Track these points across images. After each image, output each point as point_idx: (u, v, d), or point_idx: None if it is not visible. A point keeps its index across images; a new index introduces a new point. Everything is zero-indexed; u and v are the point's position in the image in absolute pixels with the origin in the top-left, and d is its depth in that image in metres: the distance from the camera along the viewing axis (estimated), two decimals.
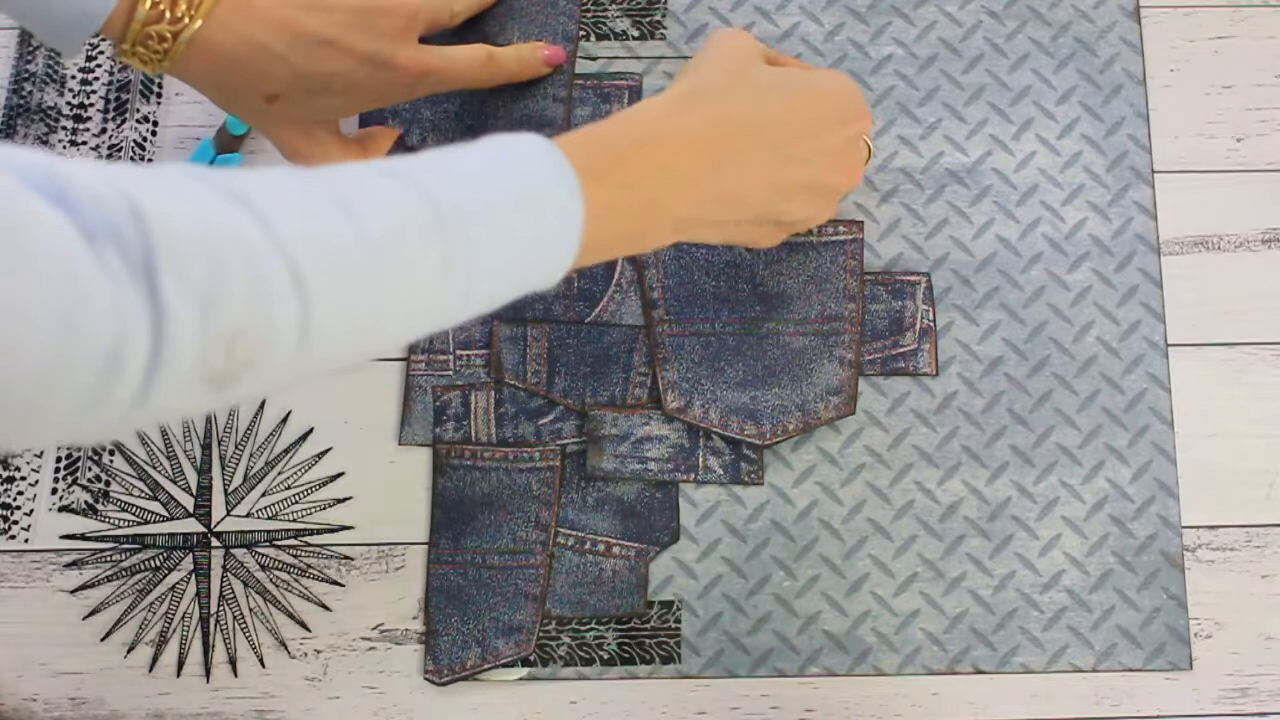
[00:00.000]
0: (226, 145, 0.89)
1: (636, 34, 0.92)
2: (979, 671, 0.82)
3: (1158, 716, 0.81)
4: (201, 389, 0.50)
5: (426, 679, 0.81)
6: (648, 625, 0.82)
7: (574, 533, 0.84)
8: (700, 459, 0.84)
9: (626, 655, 0.82)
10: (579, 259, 0.63)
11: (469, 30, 0.90)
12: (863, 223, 0.88)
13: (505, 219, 0.59)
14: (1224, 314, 0.87)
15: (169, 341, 0.47)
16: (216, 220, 0.50)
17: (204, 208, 0.50)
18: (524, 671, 0.82)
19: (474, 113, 0.89)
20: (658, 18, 0.92)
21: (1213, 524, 0.84)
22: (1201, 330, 0.87)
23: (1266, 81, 0.91)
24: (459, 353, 0.86)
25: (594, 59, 0.91)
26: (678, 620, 0.82)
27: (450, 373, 0.86)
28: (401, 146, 0.89)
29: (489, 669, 0.81)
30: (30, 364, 0.45)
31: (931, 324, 0.86)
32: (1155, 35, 0.92)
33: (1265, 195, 0.89)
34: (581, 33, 0.91)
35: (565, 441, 0.85)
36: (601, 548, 0.83)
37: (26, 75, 0.91)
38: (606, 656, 0.82)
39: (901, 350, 0.86)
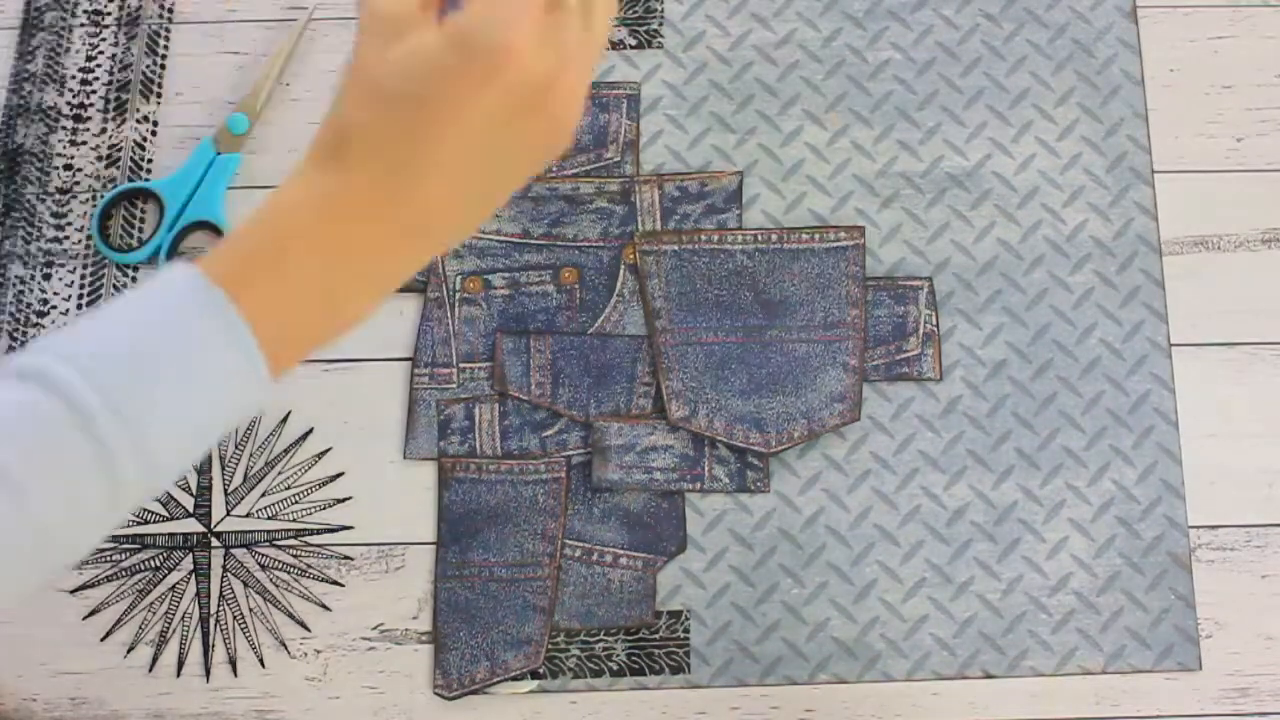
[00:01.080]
0: (227, 145, 0.89)
1: (634, 43, 0.92)
2: (989, 676, 0.82)
3: (1158, 716, 0.81)
4: None
5: (436, 693, 0.81)
6: (656, 635, 0.82)
7: (581, 544, 0.83)
8: (706, 468, 0.84)
9: (636, 666, 0.82)
10: (281, 365, 0.56)
11: None
12: (864, 228, 0.88)
13: (159, 382, 0.52)
14: (1224, 314, 0.88)
15: None
16: None
17: None
18: (534, 684, 0.81)
19: None
20: (654, 26, 0.92)
21: (1213, 524, 0.84)
22: (1202, 330, 0.87)
23: (1266, 81, 0.91)
24: (462, 366, 0.86)
25: None
26: (686, 630, 0.82)
27: (454, 386, 0.85)
28: None
29: (499, 682, 0.81)
30: None
31: (934, 328, 0.86)
32: (1154, 35, 0.92)
33: (1265, 195, 0.89)
34: None
35: (570, 453, 0.85)
36: (609, 559, 0.83)
37: (26, 75, 0.91)
38: (616, 667, 0.82)
39: (905, 355, 0.86)
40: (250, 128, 0.89)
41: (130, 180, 0.89)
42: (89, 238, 0.88)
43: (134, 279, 0.87)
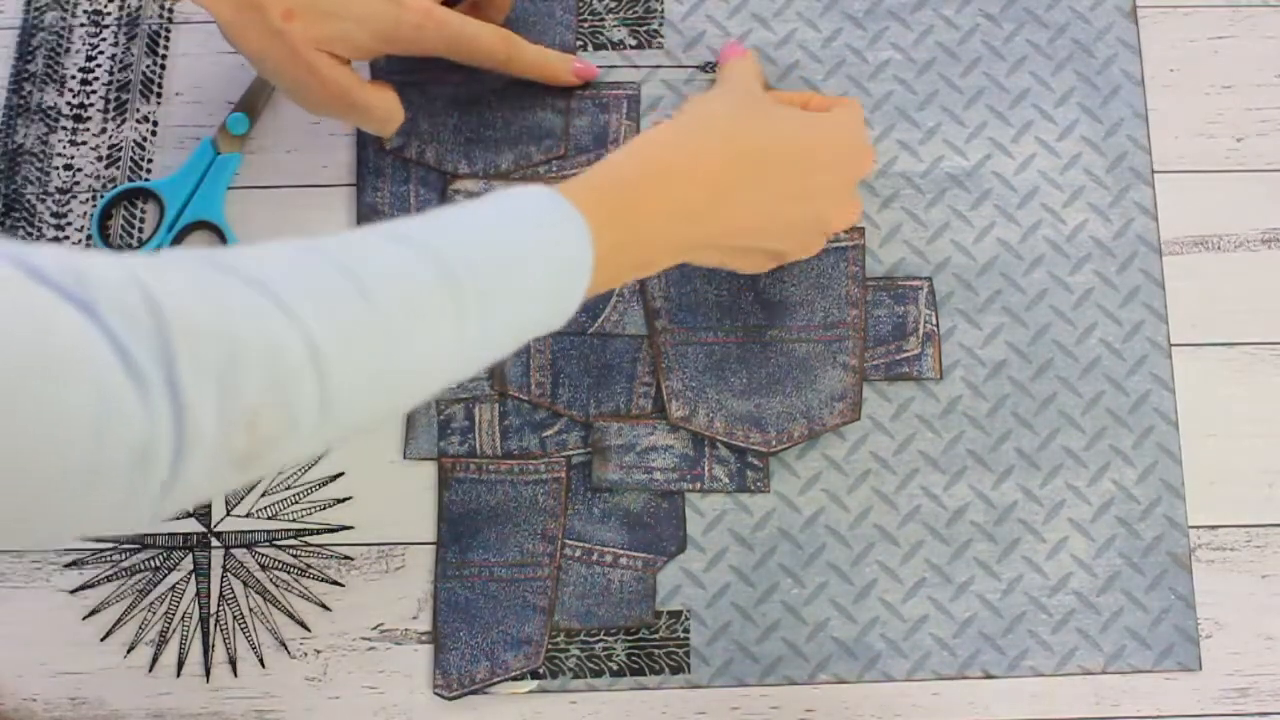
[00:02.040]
0: (227, 145, 0.89)
1: (634, 43, 0.92)
2: (989, 676, 0.82)
3: (1158, 716, 0.82)
4: (228, 469, 0.51)
5: (436, 693, 0.81)
6: (656, 635, 0.82)
7: (581, 544, 0.83)
8: (706, 468, 0.84)
9: (636, 666, 0.82)
10: (588, 295, 0.65)
11: None
12: (864, 229, 0.88)
13: (518, 275, 0.60)
14: (1224, 314, 0.88)
15: (190, 430, 0.48)
16: (231, 305, 0.50)
17: (218, 294, 0.50)
18: (534, 684, 0.81)
19: (472, 125, 0.89)
20: (655, 27, 0.92)
21: (1213, 524, 0.84)
22: (1202, 330, 0.87)
23: (1266, 81, 0.91)
24: None
25: None
26: (686, 630, 0.82)
27: (454, 386, 0.85)
28: (401, 146, 0.89)
29: (498, 682, 0.81)
30: (63, 472, 0.45)
31: (934, 328, 0.86)
32: (1154, 35, 0.92)
33: (1265, 195, 0.89)
34: (579, 42, 0.91)
35: (570, 453, 0.85)
36: (609, 559, 0.83)
37: (26, 75, 0.91)
38: (616, 667, 0.82)
39: (905, 355, 0.86)
40: (250, 128, 0.89)
41: (130, 180, 0.89)
42: (89, 238, 0.88)
43: None
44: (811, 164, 0.75)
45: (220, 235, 0.88)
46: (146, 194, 0.89)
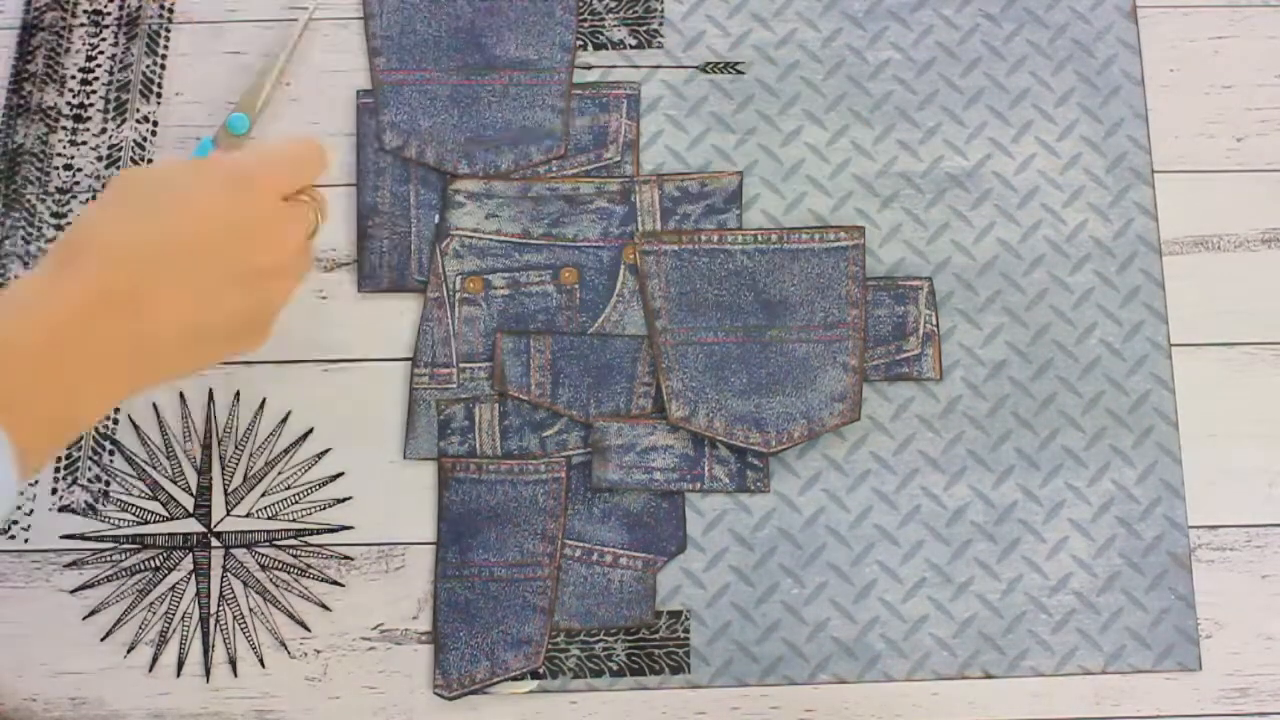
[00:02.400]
0: (227, 145, 0.89)
1: (634, 43, 0.92)
2: (989, 676, 0.82)
3: (1158, 716, 0.82)
4: None
5: (436, 693, 0.81)
6: (656, 635, 0.82)
7: (581, 544, 0.83)
8: (706, 468, 0.84)
9: (636, 666, 0.82)
10: (27, 471, 0.56)
11: (465, 40, 0.90)
12: (864, 228, 0.88)
13: None
14: (1224, 314, 0.88)
15: None
16: None
17: None
18: (534, 684, 0.81)
19: (473, 124, 0.89)
20: (655, 26, 0.92)
21: (1213, 524, 0.84)
22: (1202, 330, 0.87)
23: (1266, 81, 0.91)
24: (462, 366, 0.86)
25: (591, 68, 0.91)
26: (686, 630, 0.82)
27: (454, 386, 0.85)
28: (390, 159, 0.89)
29: (498, 682, 0.81)
30: None
31: (934, 328, 0.86)
32: (1154, 36, 0.92)
33: (1265, 195, 0.89)
34: (579, 42, 0.91)
35: (570, 453, 0.85)
36: (609, 559, 0.83)
37: (26, 75, 0.91)
38: (616, 667, 0.82)
39: (905, 355, 0.86)
40: (251, 128, 0.89)
41: None
42: None
43: None
44: (205, 256, 0.62)
45: None
46: None
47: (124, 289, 0.58)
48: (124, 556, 0.83)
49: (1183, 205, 0.89)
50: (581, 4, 0.92)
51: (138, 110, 0.91)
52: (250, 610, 0.83)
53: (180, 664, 0.82)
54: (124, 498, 0.84)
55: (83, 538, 0.83)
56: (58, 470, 0.84)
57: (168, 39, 0.92)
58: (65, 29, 0.92)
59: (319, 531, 0.84)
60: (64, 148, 0.90)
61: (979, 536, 0.84)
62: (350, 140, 0.90)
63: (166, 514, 0.84)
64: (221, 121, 0.89)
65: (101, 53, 0.92)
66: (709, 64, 0.91)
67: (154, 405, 0.85)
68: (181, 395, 0.86)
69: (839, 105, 0.90)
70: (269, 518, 0.84)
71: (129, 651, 0.82)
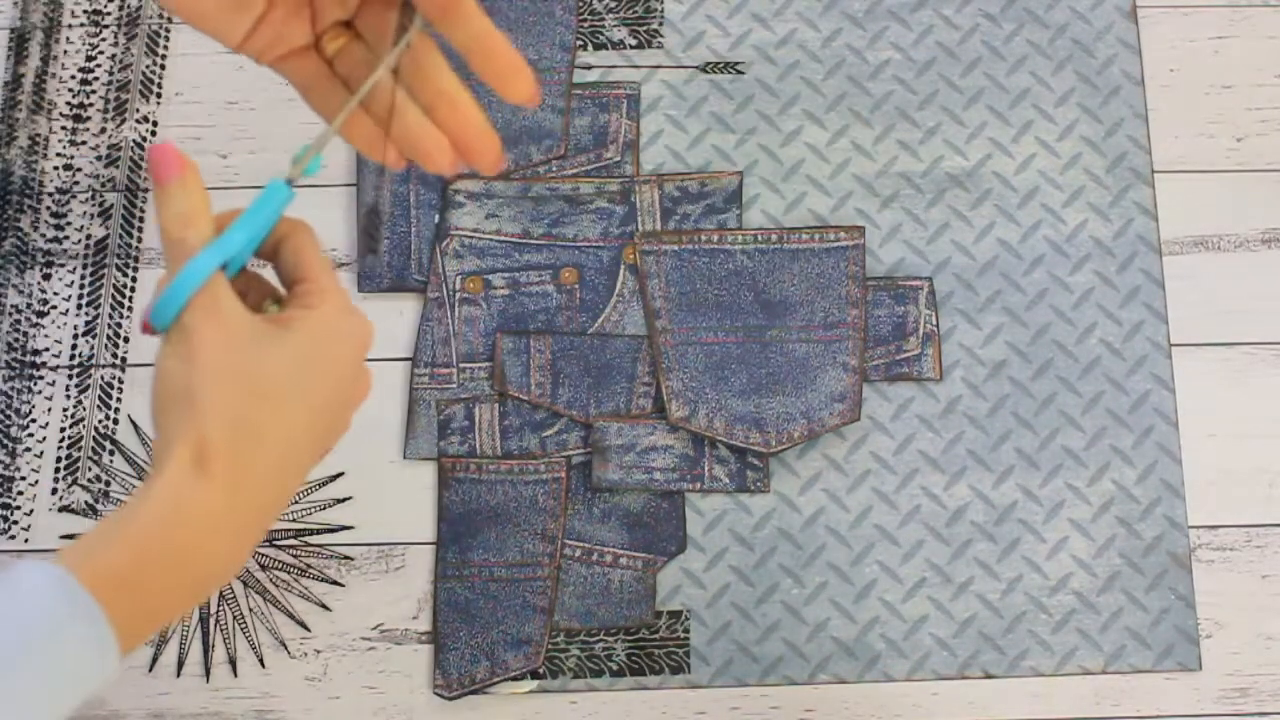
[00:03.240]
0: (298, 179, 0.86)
1: (634, 43, 0.92)
2: (989, 676, 0.82)
3: (1157, 716, 0.81)
4: None
5: (436, 693, 0.81)
6: (656, 635, 0.82)
7: (581, 544, 0.83)
8: (706, 468, 0.84)
9: (636, 666, 0.82)
10: (136, 641, 0.56)
11: None
12: (864, 228, 0.88)
13: (18, 679, 0.51)
14: (1224, 314, 0.88)
15: None
16: None
17: None
18: (534, 684, 0.81)
19: None
20: (655, 26, 0.92)
21: (1213, 524, 0.84)
22: (1202, 330, 0.87)
23: (1266, 81, 0.91)
24: (462, 366, 0.86)
25: (591, 68, 0.91)
26: (686, 630, 0.82)
27: (454, 386, 0.85)
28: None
29: (498, 682, 0.81)
30: None
31: (934, 328, 0.86)
32: (1154, 36, 0.92)
33: (1265, 195, 0.89)
34: (579, 42, 0.91)
35: (570, 453, 0.85)
36: (609, 559, 0.83)
37: (25, 75, 0.91)
38: (616, 667, 0.82)
39: (905, 355, 0.86)
40: (320, 167, 0.87)
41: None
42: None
43: (134, 280, 0.87)
44: (324, 429, 0.63)
45: None
46: None
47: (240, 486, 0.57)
48: None
49: (1183, 205, 0.89)
50: (581, 4, 0.92)
51: (137, 110, 0.91)
52: (250, 610, 0.83)
53: (180, 664, 0.82)
54: (124, 498, 0.84)
55: None
56: (58, 471, 0.84)
57: (168, 39, 0.92)
58: (65, 28, 0.92)
59: (319, 531, 0.84)
60: (64, 148, 0.90)
61: (979, 536, 0.84)
62: None
63: None
64: (293, 161, 0.87)
65: (101, 53, 0.92)
66: (709, 64, 0.91)
67: None
68: None
69: (839, 105, 0.90)
70: None
71: None
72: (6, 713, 0.52)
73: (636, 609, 0.82)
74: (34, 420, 0.85)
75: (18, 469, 0.85)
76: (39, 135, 0.90)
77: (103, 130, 0.91)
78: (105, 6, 0.93)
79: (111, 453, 0.85)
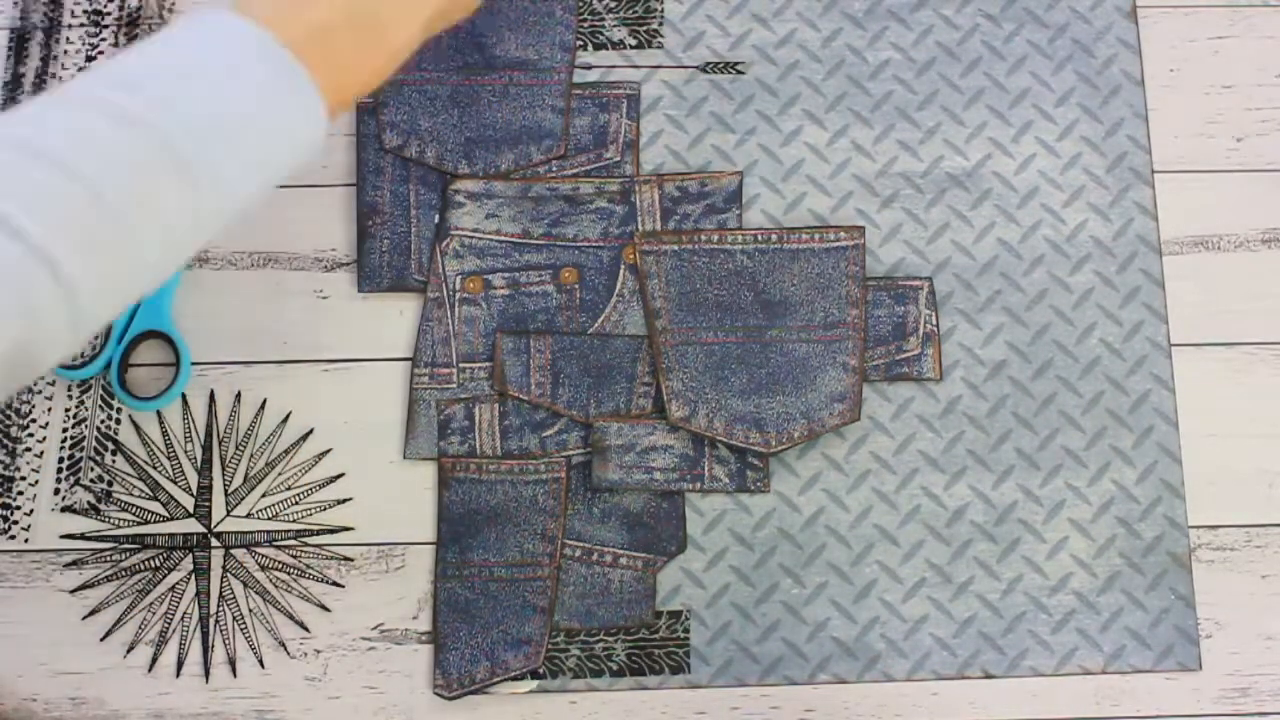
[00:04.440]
0: None
1: (634, 43, 0.92)
2: (989, 676, 0.82)
3: (1157, 716, 0.82)
4: None
5: (436, 693, 0.81)
6: (656, 635, 0.82)
7: (581, 544, 0.83)
8: (706, 468, 0.84)
9: (635, 666, 0.82)
10: (338, 106, 0.62)
11: (465, 40, 0.90)
12: (864, 228, 0.88)
13: (247, 141, 0.58)
14: (1224, 314, 0.88)
15: None
16: None
17: None
18: (534, 684, 0.81)
19: (472, 125, 0.89)
20: (654, 26, 0.92)
21: (1213, 524, 0.84)
22: (1202, 330, 0.87)
23: (1266, 81, 0.91)
24: (462, 366, 0.86)
25: (591, 68, 0.91)
26: (686, 630, 0.82)
27: (454, 386, 0.85)
28: (400, 157, 0.89)
29: (498, 682, 0.81)
30: None
31: (934, 328, 0.87)
32: (1154, 35, 0.92)
33: (1265, 195, 0.89)
34: (579, 42, 0.91)
35: (570, 453, 0.85)
36: (609, 559, 0.83)
37: (24, 75, 0.91)
38: (615, 667, 0.82)
39: (905, 355, 0.86)
40: None
41: None
42: None
43: None
44: None
45: (171, 345, 0.86)
46: None
47: None
48: (124, 556, 0.83)
49: (1183, 205, 0.89)
50: (581, 4, 0.92)
51: None
52: (250, 610, 0.83)
53: (180, 664, 0.82)
54: (125, 498, 0.84)
55: (83, 538, 0.83)
56: (60, 471, 0.84)
57: None
58: (64, 28, 0.92)
59: (319, 532, 0.84)
60: None
61: (979, 536, 0.84)
62: (350, 140, 0.90)
63: (167, 514, 0.84)
64: None
65: (101, 53, 0.92)
66: (709, 64, 0.91)
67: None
68: (183, 396, 0.86)
69: (839, 105, 0.90)
70: (269, 518, 0.84)
71: (129, 651, 0.82)
72: (231, 175, 0.58)
73: (636, 609, 0.82)
74: (34, 420, 0.85)
75: (18, 469, 0.85)
76: None
77: None
78: (105, 6, 0.93)
79: (114, 453, 0.85)
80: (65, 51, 0.92)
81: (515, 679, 0.82)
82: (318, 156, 0.62)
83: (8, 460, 0.85)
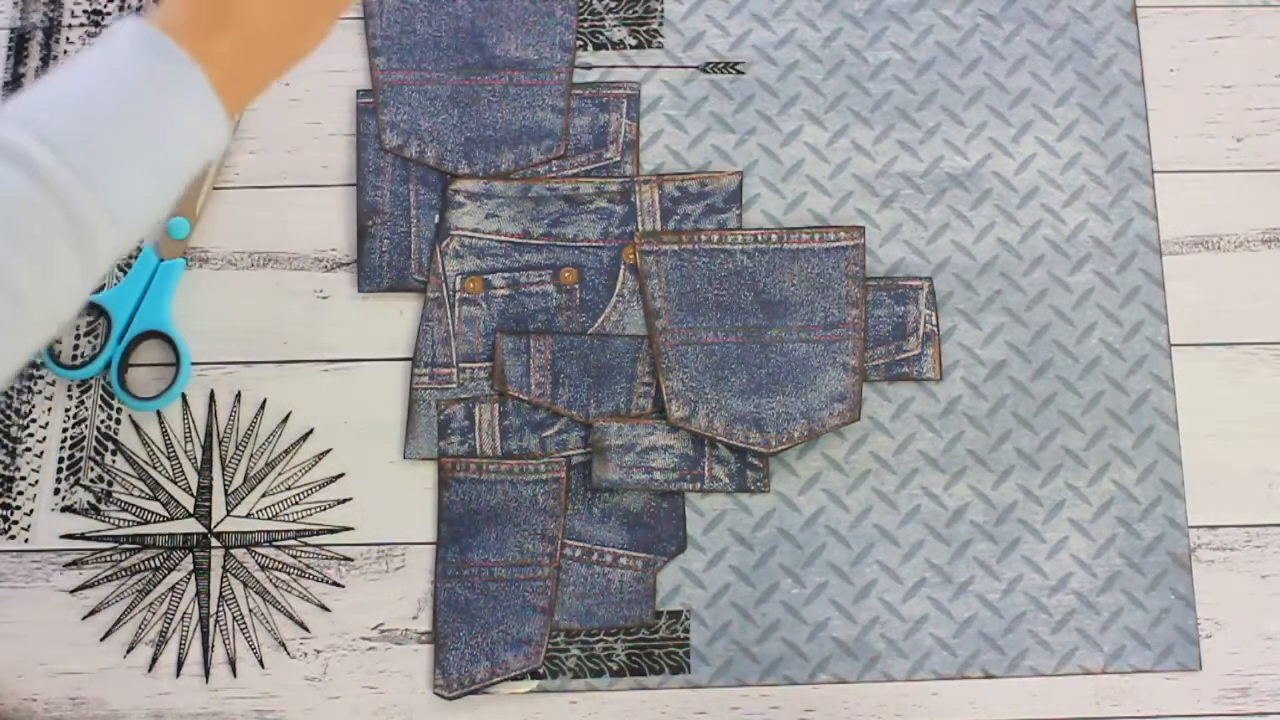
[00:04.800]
0: (169, 251, 0.87)
1: (634, 43, 0.92)
2: (989, 676, 0.82)
3: (1158, 716, 0.82)
4: None
5: (436, 693, 0.81)
6: (656, 635, 0.82)
7: (581, 544, 0.83)
8: (706, 468, 0.84)
9: (635, 666, 0.82)
10: (237, 101, 0.61)
11: (465, 40, 0.90)
12: (864, 228, 0.88)
13: (116, 133, 0.56)
14: (1224, 314, 0.88)
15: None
16: None
17: None
18: (534, 684, 0.81)
19: (473, 123, 0.89)
20: (654, 26, 0.92)
21: (1213, 524, 0.84)
22: (1202, 330, 0.87)
23: (1266, 81, 0.91)
24: (462, 366, 0.86)
25: (591, 68, 0.91)
26: (686, 630, 0.82)
27: (454, 386, 0.85)
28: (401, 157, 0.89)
29: (498, 682, 0.81)
30: None
31: (934, 328, 0.87)
32: (1154, 36, 0.92)
33: (1265, 195, 0.89)
34: (579, 42, 0.91)
35: (570, 453, 0.85)
36: (609, 559, 0.83)
37: (23, 76, 0.91)
38: (616, 667, 0.82)
39: (905, 355, 0.86)
40: (191, 231, 0.88)
41: None
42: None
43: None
44: None
45: (171, 345, 0.86)
46: (93, 307, 0.87)
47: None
48: (124, 556, 0.83)
49: (1183, 205, 0.89)
50: (581, 4, 0.92)
51: None
52: (250, 610, 0.83)
53: (180, 664, 0.82)
54: (124, 498, 0.84)
55: (83, 538, 0.83)
56: (60, 471, 0.84)
57: None
58: (63, 28, 0.92)
59: (319, 532, 0.84)
60: None
61: (979, 536, 0.84)
62: (350, 140, 0.90)
63: (167, 514, 0.84)
64: (161, 228, 0.88)
65: None
66: (709, 64, 0.91)
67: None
68: (183, 396, 0.86)
69: (839, 105, 0.90)
70: (269, 518, 0.84)
71: (129, 651, 0.82)
72: (126, 172, 0.55)
73: (636, 609, 0.82)
74: (34, 420, 0.85)
75: (18, 469, 0.85)
76: None
77: None
78: (105, 6, 0.93)
79: (114, 453, 0.85)
80: (65, 51, 0.92)
81: (515, 679, 0.82)
82: (216, 158, 0.61)
83: (8, 460, 0.85)
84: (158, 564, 0.83)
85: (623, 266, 0.87)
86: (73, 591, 0.83)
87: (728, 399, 0.85)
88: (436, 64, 0.90)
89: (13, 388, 0.86)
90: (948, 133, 0.90)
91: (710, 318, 0.86)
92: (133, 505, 0.84)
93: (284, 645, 0.82)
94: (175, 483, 0.84)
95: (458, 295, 0.87)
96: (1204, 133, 0.90)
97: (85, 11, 0.92)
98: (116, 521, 0.84)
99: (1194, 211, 0.89)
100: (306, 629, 0.82)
